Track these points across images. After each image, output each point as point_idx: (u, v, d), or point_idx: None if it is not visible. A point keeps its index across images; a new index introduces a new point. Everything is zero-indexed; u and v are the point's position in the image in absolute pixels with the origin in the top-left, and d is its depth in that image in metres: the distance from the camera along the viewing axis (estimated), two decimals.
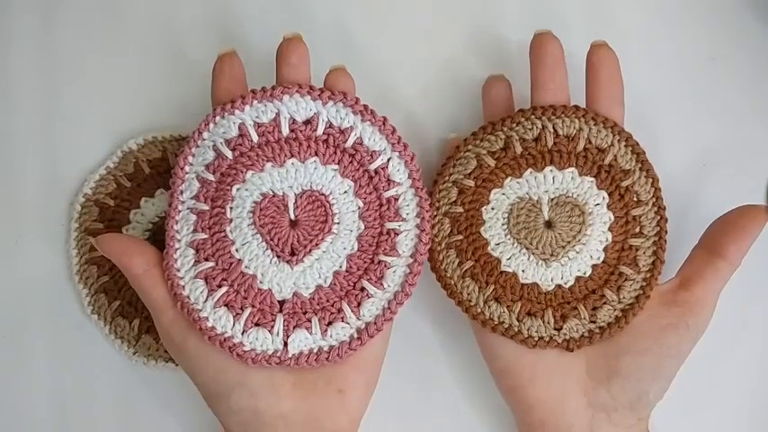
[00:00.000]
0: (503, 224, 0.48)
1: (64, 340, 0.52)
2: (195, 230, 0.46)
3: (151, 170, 0.53)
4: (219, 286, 0.45)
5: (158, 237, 0.51)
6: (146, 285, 0.46)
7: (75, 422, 0.52)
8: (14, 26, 0.54)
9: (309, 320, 0.46)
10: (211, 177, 0.46)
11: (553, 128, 0.47)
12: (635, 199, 0.48)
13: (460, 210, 0.48)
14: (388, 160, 0.47)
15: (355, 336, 0.46)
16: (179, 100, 0.53)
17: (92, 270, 0.52)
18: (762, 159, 0.54)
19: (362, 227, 0.46)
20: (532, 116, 0.47)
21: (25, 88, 0.54)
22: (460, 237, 0.48)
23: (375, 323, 0.46)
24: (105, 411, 0.52)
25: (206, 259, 0.46)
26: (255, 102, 0.45)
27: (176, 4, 0.55)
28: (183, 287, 0.45)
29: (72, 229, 0.52)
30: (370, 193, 0.47)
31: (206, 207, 0.46)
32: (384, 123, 0.46)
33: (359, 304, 0.46)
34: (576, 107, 0.47)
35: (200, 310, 0.45)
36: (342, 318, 0.46)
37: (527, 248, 0.47)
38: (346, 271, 0.46)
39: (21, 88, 0.54)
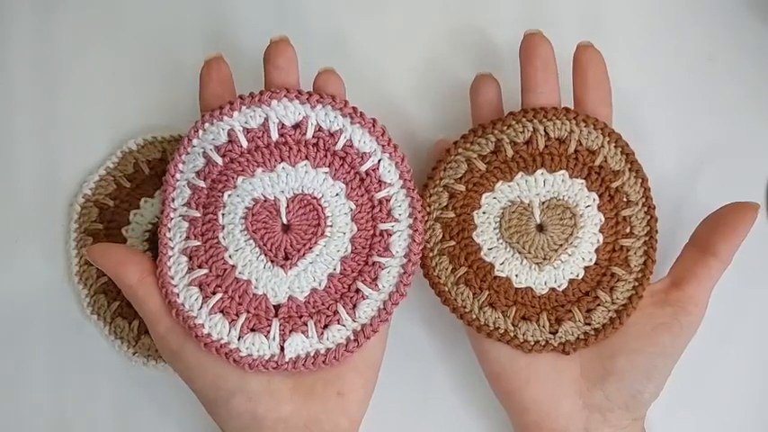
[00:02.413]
0: (495, 228, 0.47)
1: (64, 340, 0.52)
2: (188, 237, 0.46)
3: (151, 171, 0.53)
4: (214, 293, 0.45)
5: (157, 237, 0.51)
6: (140, 295, 0.45)
7: (76, 422, 0.52)
8: (14, 27, 0.54)
9: (305, 324, 0.46)
10: (202, 184, 0.46)
11: (544, 130, 0.47)
12: (625, 200, 0.47)
13: (452, 215, 0.47)
14: (379, 162, 0.47)
15: (352, 337, 0.46)
16: (178, 101, 0.53)
17: (91, 271, 0.52)
18: (760, 159, 0.54)
19: (355, 229, 0.46)
20: (523, 119, 0.47)
21: (25, 88, 0.54)
22: (453, 242, 0.47)
23: (371, 324, 0.46)
24: (105, 411, 0.52)
25: (199, 266, 0.46)
26: (244, 107, 0.45)
27: (176, 5, 0.54)
28: (178, 295, 0.45)
29: (72, 229, 0.52)
30: (362, 195, 0.46)
31: (198, 214, 0.46)
32: (374, 125, 0.46)
33: (354, 306, 0.46)
34: (567, 109, 0.47)
35: (196, 318, 0.45)
36: (338, 320, 0.46)
37: (520, 252, 0.47)
38: (340, 273, 0.46)
39: (20, 88, 0.54)
